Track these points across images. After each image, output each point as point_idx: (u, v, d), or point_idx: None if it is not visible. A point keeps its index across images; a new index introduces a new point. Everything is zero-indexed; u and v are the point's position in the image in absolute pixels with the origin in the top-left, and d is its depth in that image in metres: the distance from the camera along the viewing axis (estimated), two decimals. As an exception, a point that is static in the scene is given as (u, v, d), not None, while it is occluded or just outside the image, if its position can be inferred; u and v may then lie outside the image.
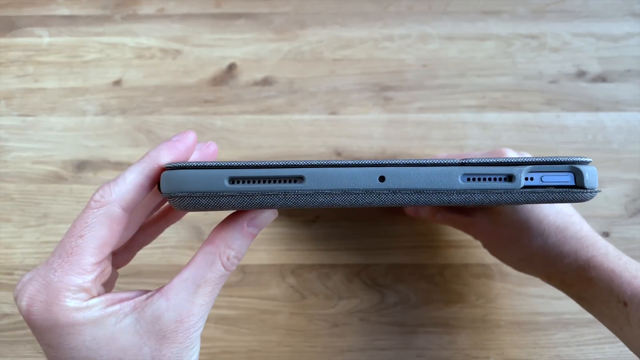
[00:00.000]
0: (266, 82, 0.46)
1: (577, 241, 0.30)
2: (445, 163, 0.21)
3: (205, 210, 0.21)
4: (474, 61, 0.46)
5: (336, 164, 0.20)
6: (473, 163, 0.21)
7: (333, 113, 0.44)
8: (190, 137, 0.23)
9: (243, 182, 0.20)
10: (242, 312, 0.38)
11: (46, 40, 0.47)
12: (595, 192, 0.21)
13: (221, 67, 0.46)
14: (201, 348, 0.37)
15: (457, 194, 0.21)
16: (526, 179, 0.21)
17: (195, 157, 0.24)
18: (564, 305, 0.38)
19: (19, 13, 0.48)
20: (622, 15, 0.48)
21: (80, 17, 0.48)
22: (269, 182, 0.20)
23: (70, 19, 0.48)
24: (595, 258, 0.29)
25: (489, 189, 0.21)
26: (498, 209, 0.32)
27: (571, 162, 0.21)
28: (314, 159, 0.21)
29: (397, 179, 0.21)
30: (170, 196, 0.20)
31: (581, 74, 0.46)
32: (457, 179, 0.21)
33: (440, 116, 0.44)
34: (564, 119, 0.44)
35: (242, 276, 0.39)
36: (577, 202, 0.22)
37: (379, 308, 0.38)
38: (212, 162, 0.20)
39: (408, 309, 0.38)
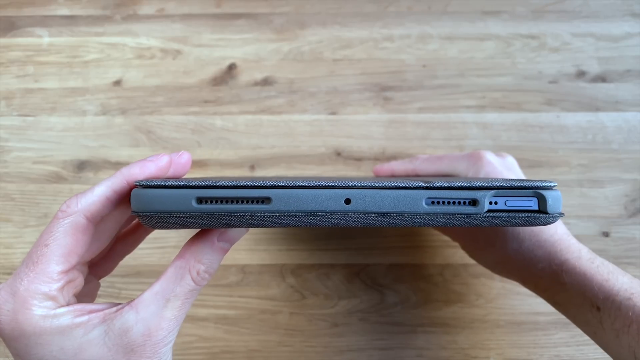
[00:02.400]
0: (266, 82, 0.46)
1: (551, 245, 0.30)
2: (410, 186, 0.21)
3: (174, 229, 0.21)
4: (474, 61, 0.46)
5: (303, 186, 0.20)
6: (437, 187, 0.21)
7: (333, 113, 0.44)
8: (164, 159, 0.22)
9: (210, 202, 0.20)
10: (242, 312, 0.38)
11: (46, 40, 0.47)
12: (559, 216, 0.21)
13: (221, 67, 0.46)
14: (201, 348, 0.37)
15: (420, 217, 0.21)
16: (490, 202, 0.21)
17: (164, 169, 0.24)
18: (564, 305, 0.38)
19: (19, 13, 0.48)
20: (622, 15, 0.48)
21: (81, 17, 0.48)
22: (236, 202, 0.20)
23: (71, 19, 0.48)
24: (568, 262, 0.29)
25: (452, 213, 0.21)
26: None
27: (535, 187, 0.21)
28: (283, 179, 0.21)
29: (363, 201, 0.21)
30: (139, 214, 0.20)
31: (581, 74, 0.46)
32: (421, 203, 0.21)
33: (440, 116, 0.44)
34: (563, 119, 0.44)
35: (242, 276, 0.39)
36: (540, 225, 0.22)
37: (379, 308, 0.38)
38: (180, 181, 0.20)
39: (408, 308, 0.38)
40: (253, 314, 0.38)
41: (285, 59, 0.46)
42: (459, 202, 0.21)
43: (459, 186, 0.21)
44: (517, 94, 0.45)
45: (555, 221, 0.22)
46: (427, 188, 0.21)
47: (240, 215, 0.20)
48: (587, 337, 0.37)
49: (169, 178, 0.23)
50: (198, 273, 0.21)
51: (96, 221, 0.21)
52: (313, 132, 0.44)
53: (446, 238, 0.40)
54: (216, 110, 0.45)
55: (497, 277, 0.39)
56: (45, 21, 0.48)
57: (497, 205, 0.21)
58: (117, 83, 0.45)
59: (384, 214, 0.21)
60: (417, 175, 0.35)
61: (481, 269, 0.39)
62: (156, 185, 0.20)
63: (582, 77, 0.46)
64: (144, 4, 0.49)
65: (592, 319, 0.28)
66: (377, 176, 0.38)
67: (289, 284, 0.39)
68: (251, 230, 0.40)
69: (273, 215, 0.20)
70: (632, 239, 0.41)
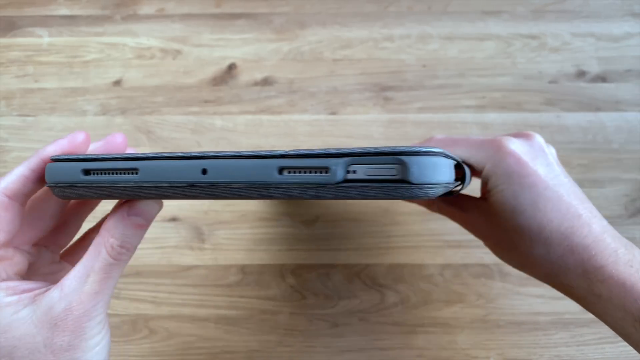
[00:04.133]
0: (266, 82, 0.46)
1: (583, 249, 0.25)
2: (265, 155, 0.19)
3: (73, 199, 0.23)
4: (474, 61, 0.46)
5: (166, 157, 0.20)
6: (290, 155, 0.19)
7: (333, 113, 0.44)
8: (79, 136, 0.24)
9: (94, 174, 0.21)
10: (242, 312, 0.38)
11: (46, 40, 0.47)
12: (429, 186, 0.18)
13: (221, 67, 0.46)
14: (201, 348, 0.37)
15: (275, 188, 0.19)
16: (348, 172, 0.19)
17: (100, 149, 0.26)
18: (564, 305, 0.38)
19: (19, 13, 0.48)
20: (622, 15, 0.48)
21: (81, 17, 0.48)
22: (113, 173, 0.21)
23: (71, 19, 0.48)
24: (603, 270, 0.25)
25: (305, 183, 0.19)
26: (495, 209, 0.28)
27: (397, 152, 0.18)
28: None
29: (218, 172, 0.20)
30: (48, 186, 0.22)
31: (581, 74, 0.46)
32: (274, 172, 0.19)
33: (441, 116, 0.44)
34: (564, 119, 0.44)
35: (242, 276, 0.39)
36: (406, 199, 0.19)
37: (379, 308, 0.38)
38: (75, 155, 0.22)
39: (408, 309, 0.38)
40: (253, 314, 0.38)
41: (285, 59, 0.46)
42: (313, 171, 0.19)
43: (312, 154, 0.19)
44: (517, 94, 0.45)
45: (428, 194, 0.18)
46: (282, 157, 0.19)
47: (116, 186, 0.21)
48: (587, 337, 0.37)
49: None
50: (112, 247, 0.21)
51: (20, 199, 0.23)
52: (313, 132, 0.44)
53: (446, 238, 0.40)
54: (216, 110, 0.45)
55: (497, 277, 0.39)
56: (45, 21, 0.48)
57: (356, 174, 0.19)
58: (117, 83, 0.45)
59: (239, 185, 0.19)
60: None
61: (481, 269, 0.39)
62: (58, 159, 0.22)
63: (582, 77, 0.46)
64: (143, 4, 0.48)
65: (635, 333, 0.25)
66: None
67: (289, 284, 0.39)
68: (251, 230, 0.40)
69: (142, 186, 0.20)
70: (632, 239, 0.40)
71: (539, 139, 0.29)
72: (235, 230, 0.40)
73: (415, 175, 0.18)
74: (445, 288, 0.39)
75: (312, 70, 0.46)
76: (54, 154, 0.23)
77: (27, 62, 0.46)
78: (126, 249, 0.22)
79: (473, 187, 0.30)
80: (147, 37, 0.47)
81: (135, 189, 0.21)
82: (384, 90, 0.45)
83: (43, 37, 0.47)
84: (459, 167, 0.24)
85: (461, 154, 0.29)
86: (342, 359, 0.37)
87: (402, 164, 0.18)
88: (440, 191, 0.19)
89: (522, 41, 0.47)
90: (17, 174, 0.23)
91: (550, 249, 0.26)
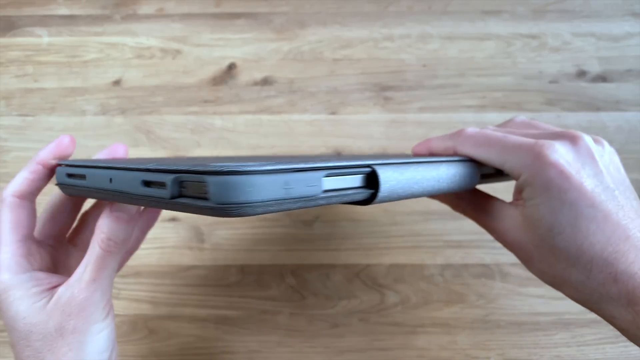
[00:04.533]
0: (266, 82, 0.46)
1: (629, 278, 0.22)
2: (133, 168, 0.20)
3: (75, 196, 0.27)
4: (474, 61, 0.46)
5: (102, 166, 0.22)
6: (151, 169, 0.19)
7: (333, 113, 0.44)
8: (64, 139, 0.28)
9: (72, 177, 0.25)
10: (242, 313, 0.38)
11: (46, 40, 0.47)
12: (236, 207, 0.17)
13: (221, 67, 0.46)
14: (201, 348, 0.37)
15: (140, 199, 0.20)
16: (181, 187, 0.18)
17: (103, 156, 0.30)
18: (565, 305, 0.38)
19: (18, 13, 0.48)
20: (623, 15, 0.48)
21: (80, 17, 0.48)
22: (74, 177, 0.25)
23: (70, 19, 0.48)
24: None
25: (153, 197, 0.19)
26: (529, 223, 0.25)
27: (201, 171, 0.17)
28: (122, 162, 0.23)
29: (118, 181, 0.21)
30: (58, 185, 0.27)
31: (581, 74, 0.46)
32: (139, 185, 0.20)
33: (441, 116, 0.44)
34: (564, 119, 0.44)
35: (242, 276, 0.39)
36: (221, 217, 0.18)
37: (379, 308, 0.38)
38: (67, 161, 0.26)
39: (408, 309, 0.38)
40: (253, 314, 0.38)
41: (285, 59, 0.46)
42: (159, 186, 0.19)
43: (156, 169, 0.19)
44: (518, 94, 0.45)
45: (219, 214, 0.17)
46: (142, 170, 0.19)
47: (79, 187, 0.24)
48: (588, 338, 0.37)
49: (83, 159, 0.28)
50: (102, 241, 0.24)
51: (28, 197, 0.26)
52: (313, 132, 0.44)
53: (446, 238, 0.40)
54: (216, 110, 0.44)
55: (497, 277, 0.39)
56: (44, 21, 0.48)
57: (185, 190, 0.19)
58: (117, 83, 0.45)
59: (124, 194, 0.21)
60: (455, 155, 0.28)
61: (482, 269, 0.39)
62: (58, 164, 0.27)
63: (582, 77, 0.45)
64: (143, 4, 0.48)
65: None
66: (416, 155, 0.30)
67: (289, 284, 0.39)
68: (251, 230, 0.40)
69: (88, 189, 0.24)
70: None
71: (587, 141, 0.25)
72: (234, 231, 0.40)
73: (216, 196, 0.17)
74: (446, 288, 0.39)
75: (312, 70, 0.46)
76: (45, 157, 0.27)
77: (26, 62, 0.46)
78: (114, 242, 0.24)
79: (496, 187, 0.30)
80: (146, 36, 0.47)
81: (85, 191, 0.24)
82: (384, 90, 0.45)
83: (42, 37, 0.47)
84: (372, 175, 0.21)
85: (495, 157, 0.26)
86: (342, 359, 0.37)
87: (206, 184, 0.17)
88: (262, 210, 0.17)
89: (523, 41, 0.47)
90: (21, 178, 0.26)
91: (590, 274, 0.23)
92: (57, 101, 0.45)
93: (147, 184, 0.20)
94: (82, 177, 0.24)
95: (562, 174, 0.23)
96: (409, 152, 0.43)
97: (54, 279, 0.25)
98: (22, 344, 0.24)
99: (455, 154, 0.27)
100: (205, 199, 0.17)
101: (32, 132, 0.44)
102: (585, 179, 0.23)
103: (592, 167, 0.24)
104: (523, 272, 0.39)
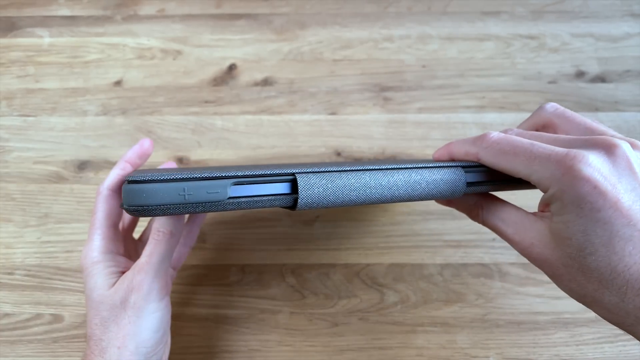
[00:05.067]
0: (266, 82, 0.46)
1: None
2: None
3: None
4: (474, 61, 0.46)
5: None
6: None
7: (333, 113, 0.45)
8: (145, 142, 0.34)
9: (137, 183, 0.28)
10: (242, 312, 0.38)
11: (47, 40, 0.47)
12: (138, 209, 0.22)
13: (221, 67, 0.46)
14: (201, 347, 0.37)
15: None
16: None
17: (135, 152, 0.34)
18: (564, 304, 0.38)
19: (19, 14, 0.49)
20: (621, 15, 0.48)
21: (81, 17, 0.48)
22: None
23: (71, 20, 0.48)
24: None
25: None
26: (557, 240, 0.23)
27: (126, 181, 0.22)
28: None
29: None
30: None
31: (580, 75, 0.46)
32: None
33: (440, 116, 0.44)
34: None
35: (242, 276, 0.39)
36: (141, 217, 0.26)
37: (379, 307, 0.38)
38: (134, 175, 0.27)
39: (407, 308, 0.38)
40: (253, 313, 0.38)
41: (286, 59, 0.47)
42: None
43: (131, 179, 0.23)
44: (517, 94, 0.45)
45: (130, 214, 0.22)
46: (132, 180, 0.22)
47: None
48: (586, 337, 0.37)
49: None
50: (154, 232, 0.29)
51: (118, 191, 0.31)
52: (313, 132, 0.44)
53: (446, 238, 0.40)
54: (216, 111, 0.45)
55: (496, 276, 0.39)
56: (45, 21, 0.48)
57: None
58: (118, 83, 0.46)
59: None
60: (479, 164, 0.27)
61: (481, 268, 0.39)
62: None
63: (581, 78, 0.46)
64: (144, 5, 0.49)
65: None
66: (436, 160, 0.29)
67: (289, 284, 0.39)
68: (251, 230, 0.40)
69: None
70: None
71: (625, 149, 0.22)
72: (235, 230, 0.40)
73: (125, 200, 0.22)
74: (445, 288, 0.39)
75: (312, 71, 0.46)
76: (131, 156, 0.33)
77: (27, 63, 0.47)
78: (162, 232, 0.29)
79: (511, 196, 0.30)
80: (147, 37, 0.47)
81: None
82: (384, 91, 0.45)
83: (44, 38, 0.48)
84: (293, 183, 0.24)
85: (522, 168, 0.24)
86: (342, 358, 0.37)
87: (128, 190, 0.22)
88: (160, 212, 0.22)
89: (522, 41, 0.47)
90: (114, 174, 0.32)
91: (626, 297, 0.21)
92: (58, 101, 0.45)
93: None
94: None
95: (597, 189, 0.21)
96: (409, 152, 0.43)
97: (128, 264, 0.31)
98: (93, 313, 0.28)
99: (478, 161, 0.26)
100: (123, 203, 0.22)
101: (34, 133, 0.44)
102: (622, 195, 0.21)
103: (630, 180, 0.21)
104: (522, 271, 0.39)
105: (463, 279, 0.39)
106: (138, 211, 0.22)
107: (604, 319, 0.23)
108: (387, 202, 0.25)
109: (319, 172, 0.24)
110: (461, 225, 0.40)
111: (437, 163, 0.26)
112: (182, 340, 0.37)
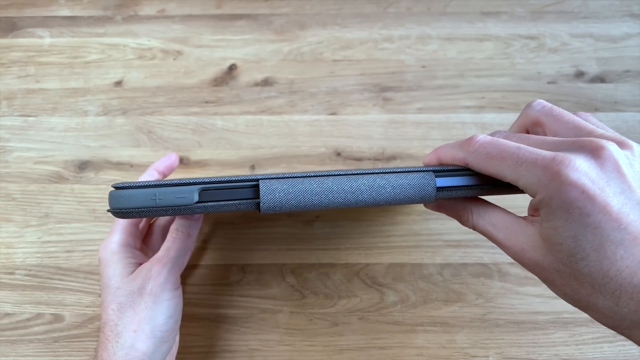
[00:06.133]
0: (266, 82, 0.46)
1: None
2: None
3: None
4: (473, 62, 0.46)
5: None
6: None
7: (333, 113, 0.45)
8: (172, 156, 0.39)
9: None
10: (242, 311, 0.38)
11: (47, 40, 0.48)
12: (118, 212, 0.25)
13: (222, 67, 0.46)
14: (201, 347, 0.37)
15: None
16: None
17: (163, 164, 0.38)
18: (563, 304, 0.38)
19: (20, 14, 0.49)
20: (621, 16, 0.48)
21: (82, 18, 0.48)
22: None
23: (72, 20, 0.48)
24: None
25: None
26: (548, 245, 0.23)
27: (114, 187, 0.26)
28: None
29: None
30: None
31: (580, 75, 0.46)
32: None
33: (440, 116, 0.44)
34: (562, 119, 0.44)
35: (242, 275, 0.39)
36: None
37: (379, 307, 0.38)
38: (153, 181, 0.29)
39: (407, 308, 0.38)
40: (253, 313, 0.38)
41: (286, 60, 0.47)
42: None
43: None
44: (516, 95, 0.45)
45: (114, 216, 0.26)
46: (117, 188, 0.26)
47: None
48: (586, 337, 0.38)
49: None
50: (172, 231, 0.33)
51: None
52: (313, 132, 0.44)
53: (446, 237, 0.40)
54: (217, 111, 0.45)
55: (496, 276, 0.39)
56: (46, 22, 0.48)
57: None
58: (118, 83, 0.46)
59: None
60: (466, 169, 0.27)
61: (480, 268, 0.39)
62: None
63: (580, 78, 0.46)
64: (144, 5, 0.49)
65: None
66: (426, 165, 0.29)
67: (289, 283, 0.39)
68: (251, 229, 0.41)
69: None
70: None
71: (612, 150, 0.22)
72: (235, 230, 0.41)
73: (109, 203, 0.25)
74: (445, 287, 0.39)
75: (312, 71, 0.46)
76: (158, 166, 0.37)
77: (28, 63, 0.47)
78: (181, 232, 0.33)
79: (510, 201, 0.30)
80: (148, 37, 0.47)
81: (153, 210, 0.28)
82: (384, 91, 0.45)
83: (44, 38, 0.48)
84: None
85: (507, 173, 0.23)
86: (342, 357, 0.37)
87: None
88: (136, 214, 0.25)
89: (521, 42, 0.47)
90: (143, 179, 0.35)
91: (620, 302, 0.21)
92: (59, 102, 0.45)
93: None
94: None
95: (584, 194, 0.20)
96: (409, 152, 0.43)
97: (144, 259, 0.33)
98: (111, 299, 0.30)
99: (466, 166, 0.26)
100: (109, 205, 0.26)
101: (34, 133, 0.44)
102: (611, 198, 0.20)
103: (618, 182, 0.21)
104: (522, 271, 0.39)
105: (463, 279, 0.39)
106: (117, 213, 0.25)
107: (600, 323, 0.23)
108: (353, 206, 0.26)
109: (281, 178, 0.26)
110: (460, 225, 0.40)
111: (405, 168, 0.27)
112: (182, 340, 0.37)
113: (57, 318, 0.38)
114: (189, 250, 0.34)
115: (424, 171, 0.27)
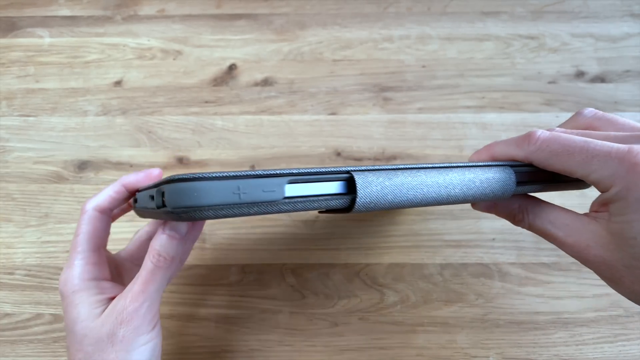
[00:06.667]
0: (266, 82, 0.46)
1: None
2: (145, 187, 0.25)
3: (140, 217, 0.29)
4: (473, 62, 0.46)
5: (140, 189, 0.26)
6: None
7: (333, 113, 0.45)
8: (154, 172, 0.30)
9: (135, 202, 0.28)
10: (243, 312, 0.38)
11: (47, 40, 0.48)
12: (187, 210, 0.19)
13: (222, 67, 0.46)
14: (202, 347, 0.37)
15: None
16: (135, 200, 0.27)
17: (142, 179, 0.31)
18: (563, 304, 0.38)
19: (20, 14, 0.49)
20: (621, 16, 0.48)
21: (81, 17, 0.48)
22: (136, 201, 0.28)
23: (71, 20, 0.48)
24: None
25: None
26: (617, 242, 0.22)
27: (160, 183, 0.20)
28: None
29: (142, 199, 0.26)
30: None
31: (580, 75, 0.46)
32: (147, 199, 0.24)
33: (440, 116, 0.44)
34: (563, 119, 0.44)
35: (243, 276, 0.39)
36: (181, 221, 0.23)
37: (379, 307, 0.38)
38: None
39: (407, 308, 0.38)
40: (253, 313, 0.38)
41: (286, 60, 0.47)
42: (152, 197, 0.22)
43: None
44: (517, 94, 0.45)
45: (174, 218, 0.20)
46: (149, 187, 0.23)
47: (138, 209, 0.27)
48: (586, 337, 0.37)
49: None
50: (153, 255, 0.25)
51: (107, 213, 0.29)
52: (313, 132, 0.44)
53: (446, 237, 0.40)
54: (216, 111, 0.45)
55: (496, 276, 0.39)
56: (46, 22, 0.48)
57: (137, 203, 0.26)
58: (118, 83, 0.46)
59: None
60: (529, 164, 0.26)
61: (481, 268, 0.39)
62: (138, 190, 0.28)
63: (581, 78, 0.46)
64: (144, 5, 0.49)
65: None
66: (471, 160, 0.28)
67: (289, 284, 0.39)
68: (251, 229, 0.40)
69: (141, 210, 0.26)
70: (631, 239, 0.41)
71: None
72: (235, 230, 0.41)
73: (170, 201, 0.19)
74: (445, 287, 0.39)
75: (312, 71, 0.46)
76: (130, 182, 0.29)
77: (28, 63, 0.47)
78: (164, 257, 0.25)
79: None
80: (147, 37, 0.47)
81: (144, 210, 0.25)
82: (384, 91, 0.45)
83: (44, 38, 0.48)
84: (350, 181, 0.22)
85: (576, 168, 0.23)
86: (342, 358, 0.37)
87: (164, 191, 0.20)
88: (213, 214, 0.19)
89: (521, 42, 0.47)
90: (105, 194, 0.29)
91: None
92: (59, 101, 0.45)
93: (151, 197, 0.22)
94: (136, 200, 0.27)
95: None
96: (409, 152, 0.43)
97: (116, 289, 0.27)
98: (76, 347, 0.25)
99: (527, 160, 0.25)
100: (160, 207, 0.20)
101: (34, 133, 0.44)
102: None
103: None
104: (522, 271, 0.39)
105: (463, 279, 0.39)
106: (187, 213, 0.19)
107: None
108: (442, 203, 0.24)
109: (374, 170, 0.22)
110: (461, 225, 0.40)
111: (486, 162, 0.25)
112: (182, 340, 0.37)
113: (57, 318, 0.38)
114: (174, 276, 0.29)
115: (502, 165, 0.25)
